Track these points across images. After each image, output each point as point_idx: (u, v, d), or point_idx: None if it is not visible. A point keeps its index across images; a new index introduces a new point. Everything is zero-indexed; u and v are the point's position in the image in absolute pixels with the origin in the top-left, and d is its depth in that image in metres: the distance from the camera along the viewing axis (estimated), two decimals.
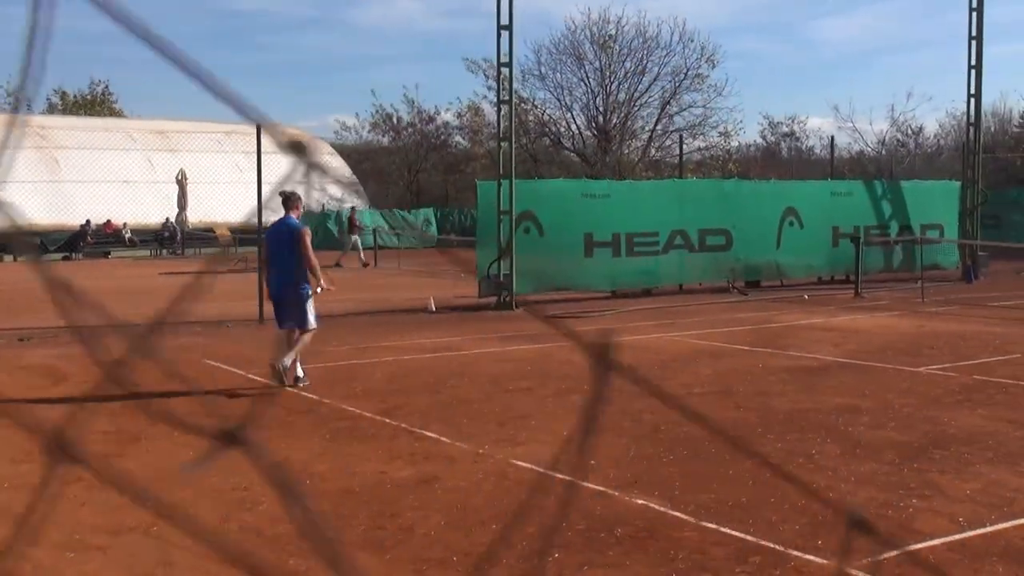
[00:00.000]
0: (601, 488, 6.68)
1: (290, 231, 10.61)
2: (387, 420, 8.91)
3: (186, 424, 7.14)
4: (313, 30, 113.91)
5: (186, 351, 13.32)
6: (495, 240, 18.61)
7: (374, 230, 38.67)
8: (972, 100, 24.37)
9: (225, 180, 44.54)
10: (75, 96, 68.95)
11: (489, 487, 6.77)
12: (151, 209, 42.72)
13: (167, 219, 42.40)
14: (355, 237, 31.95)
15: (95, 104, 66.89)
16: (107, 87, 69.83)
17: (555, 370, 11.57)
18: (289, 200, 10.79)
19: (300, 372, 10.63)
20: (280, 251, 10.62)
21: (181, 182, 42.47)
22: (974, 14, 23.36)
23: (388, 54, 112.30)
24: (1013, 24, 77.40)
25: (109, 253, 39.60)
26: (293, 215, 10.78)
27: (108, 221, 40.74)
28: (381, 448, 7.87)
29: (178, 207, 42.76)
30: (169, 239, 41.79)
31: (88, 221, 39.42)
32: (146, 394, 10.23)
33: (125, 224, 41.26)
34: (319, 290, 10.64)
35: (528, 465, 7.30)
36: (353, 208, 35.51)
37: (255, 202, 16.75)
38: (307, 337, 10.58)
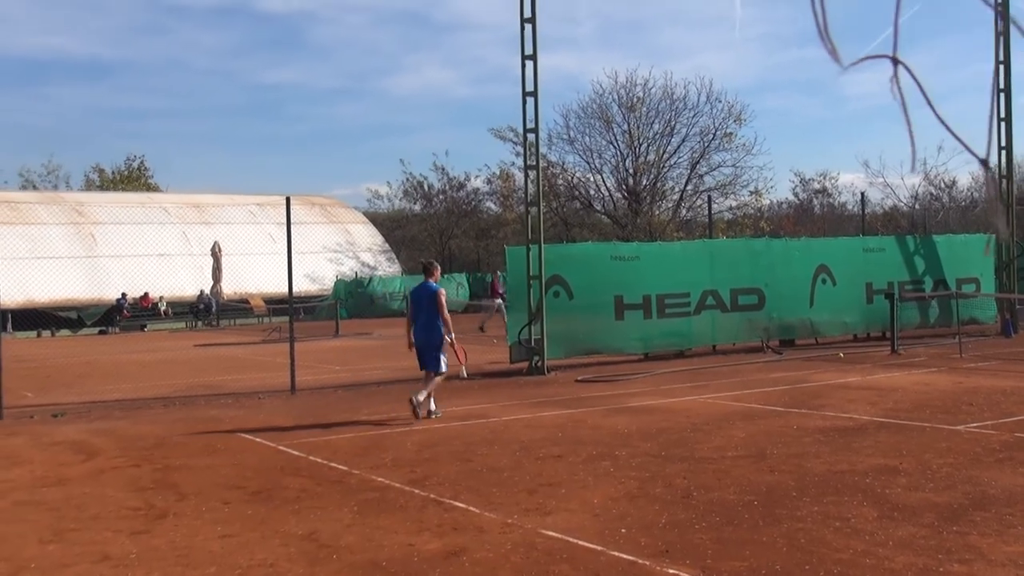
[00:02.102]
0: (632, 557, 6.55)
1: (430, 293, 13.32)
2: (416, 490, 8.83)
3: (215, 499, 7.10)
4: (345, 100, 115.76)
5: (217, 423, 13.32)
6: (526, 305, 18.60)
7: (405, 296, 38.78)
8: (1003, 152, 24.24)
9: (259, 251, 45.04)
10: (112, 172, 70.19)
11: (517, 558, 6.66)
12: (186, 281, 43.24)
13: (202, 291, 42.83)
14: (498, 301, 31.72)
15: (131, 179, 68.05)
16: (143, 162, 71.12)
17: (586, 436, 11.46)
18: (428, 268, 13.74)
19: (433, 406, 13.22)
20: (421, 309, 13.35)
21: (216, 254, 42.93)
22: (1001, 67, 23.31)
23: (420, 122, 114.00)
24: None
25: (145, 326, 39.95)
26: (431, 280, 13.50)
27: (145, 294, 41.19)
28: (409, 519, 7.78)
29: (213, 279, 43.19)
30: (204, 311, 42.14)
31: (124, 295, 39.84)
32: (177, 467, 10.23)
33: (161, 297, 41.70)
34: (449, 339, 13.22)
35: (557, 535, 7.18)
36: (496, 272, 35.21)
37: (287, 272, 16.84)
38: (438, 379, 13.28)
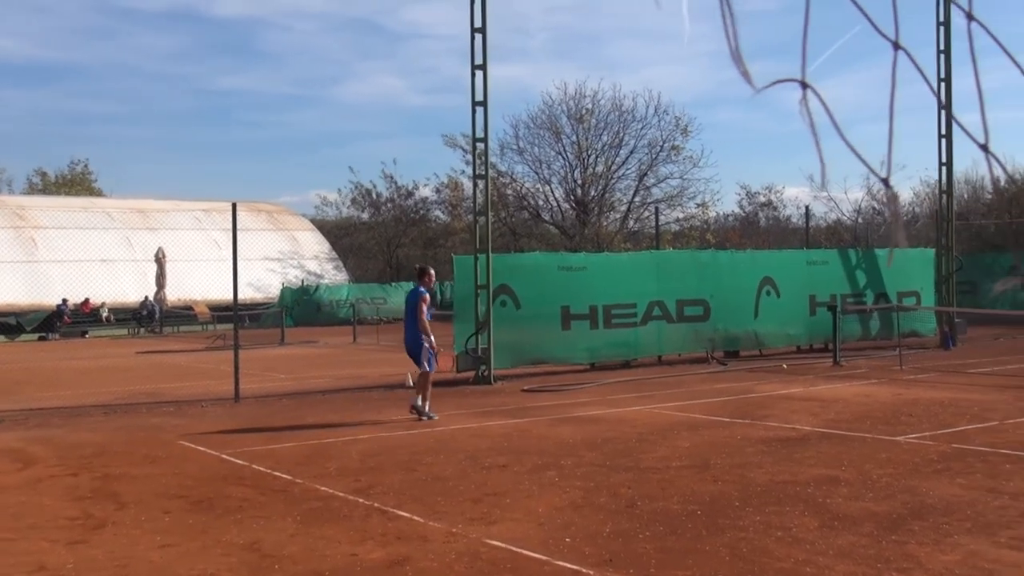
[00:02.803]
0: (576, 567, 6.57)
1: (414, 297, 13.78)
2: (360, 500, 8.77)
3: (156, 509, 7.00)
4: (296, 107, 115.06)
5: (159, 431, 13.15)
6: (473, 314, 18.59)
7: (352, 304, 38.60)
8: (944, 168, 24.68)
9: (204, 257, 44.57)
10: (56, 176, 69.14)
11: (462, 568, 6.64)
12: (129, 287, 42.65)
13: (146, 297, 42.25)
14: None
15: (75, 183, 67.05)
16: (86, 166, 70.14)
17: (532, 446, 11.47)
18: (419, 272, 14.15)
19: (425, 407, 13.65)
20: (408, 312, 13.87)
21: (160, 260, 42.40)
22: (943, 84, 23.74)
23: (370, 130, 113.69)
24: (984, 92, 78.55)
25: (87, 332, 39.34)
26: (422, 286, 13.87)
27: (86, 300, 40.55)
28: (353, 528, 7.73)
29: (156, 285, 42.64)
30: (147, 317, 41.58)
31: (65, 300, 39.21)
32: (116, 476, 10.08)
33: (103, 303, 41.08)
34: (426, 343, 13.61)
35: (502, 544, 7.17)
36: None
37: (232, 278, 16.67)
38: (423, 379, 13.82)
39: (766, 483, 9.12)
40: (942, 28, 23.48)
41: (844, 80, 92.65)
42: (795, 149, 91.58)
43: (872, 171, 1.45)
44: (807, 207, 30.88)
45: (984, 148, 1.45)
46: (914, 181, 62.87)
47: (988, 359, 20.91)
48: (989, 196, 44.72)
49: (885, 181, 1.45)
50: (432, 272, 14.23)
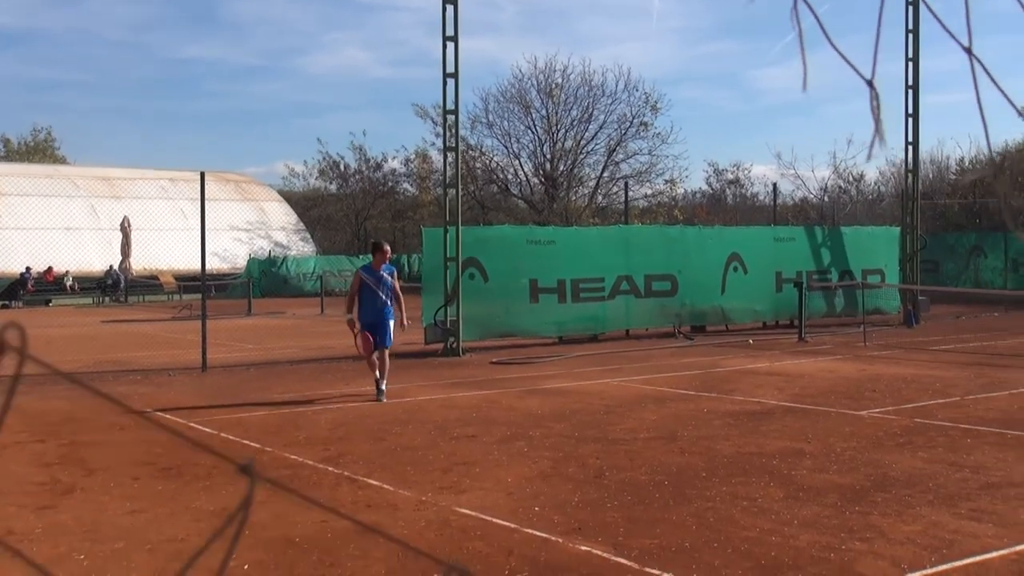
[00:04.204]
0: (545, 535, 6.63)
1: (390, 275, 13.12)
2: (330, 468, 8.80)
3: (124, 475, 6.99)
4: (261, 77, 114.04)
5: (126, 400, 13.08)
6: (441, 286, 18.59)
7: (319, 276, 38.46)
8: (910, 148, 24.88)
9: (170, 227, 44.21)
10: (18, 143, 68.25)
11: (431, 535, 6.69)
12: (94, 256, 42.21)
13: (111, 266, 41.85)
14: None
15: (38, 151, 66.25)
16: (50, 133, 69.29)
17: (501, 417, 11.53)
18: (378, 247, 13.41)
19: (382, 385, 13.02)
20: (383, 289, 13.00)
21: (125, 229, 41.98)
22: (910, 64, 23.89)
23: (337, 102, 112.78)
24: (949, 74, 79.36)
25: (50, 301, 38.94)
26: (386, 260, 13.23)
27: (49, 268, 40.12)
28: (323, 496, 7.76)
29: (122, 254, 42.22)
30: (112, 287, 41.20)
31: (28, 268, 38.78)
32: (84, 443, 10.04)
33: (67, 272, 40.67)
34: (348, 318, 13.20)
35: (472, 513, 7.23)
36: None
37: (200, 248, 16.57)
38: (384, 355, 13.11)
39: (732, 455, 9.24)
40: (911, 8, 23.60)
41: (812, 58, 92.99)
42: (763, 128, 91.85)
43: (858, 73, 1.48)
44: (775, 185, 30.94)
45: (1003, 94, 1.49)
46: (880, 160, 63.16)
47: (950, 336, 21.19)
48: (953, 176, 45.14)
49: (870, 83, 1.48)
50: (381, 246, 13.44)
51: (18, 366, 1.10)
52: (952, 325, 24.31)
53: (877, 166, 51.82)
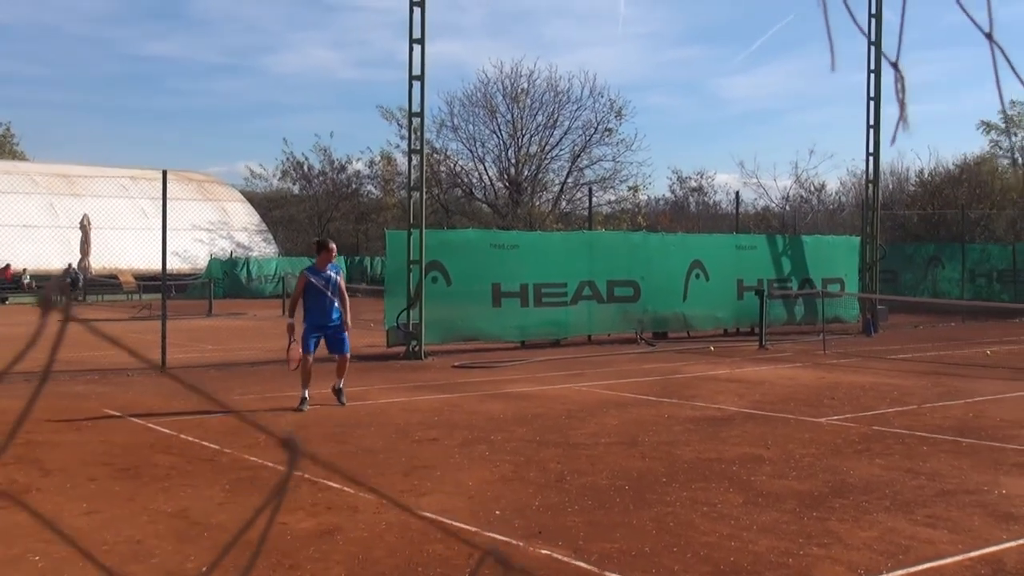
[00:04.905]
0: (505, 538, 6.64)
1: (337, 277, 12.54)
2: None
3: (81, 476, 6.90)
4: (225, 76, 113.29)
5: (84, 399, 12.94)
6: (404, 289, 18.54)
7: (281, 278, 38.23)
8: (871, 159, 25.16)
9: (130, 226, 43.77)
10: None
11: (392, 538, 6.67)
12: (53, 254, 41.68)
13: (69, 265, 41.36)
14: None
15: None
16: (8, 128, 68.42)
17: (462, 420, 11.52)
18: (323, 246, 12.74)
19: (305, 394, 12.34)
20: (333, 292, 12.42)
21: (84, 227, 41.53)
22: (872, 75, 24.18)
23: (302, 102, 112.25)
24: (911, 86, 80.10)
25: (6, 299, 38.45)
26: (331, 260, 12.57)
27: (7, 266, 39.62)
28: (283, 498, 7.70)
29: (81, 253, 41.77)
30: (71, 285, 40.72)
31: None
32: (40, 443, 9.91)
33: (25, 270, 40.17)
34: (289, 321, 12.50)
35: (432, 515, 7.21)
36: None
37: (160, 247, 16.43)
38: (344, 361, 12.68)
39: (692, 460, 9.29)
40: (873, 20, 23.86)
41: (776, 68, 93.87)
42: (726, 136, 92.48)
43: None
44: (737, 193, 31.23)
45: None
46: (841, 171, 63.84)
47: (908, 345, 21.43)
48: (913, 187, 45.67)
49: (895, 65, 1.50)
50: (325, 246, 12.75)
51: (59, 331, 1.07)
52: (910, 334, 24.59)
53: (838, 176, 52.36)
